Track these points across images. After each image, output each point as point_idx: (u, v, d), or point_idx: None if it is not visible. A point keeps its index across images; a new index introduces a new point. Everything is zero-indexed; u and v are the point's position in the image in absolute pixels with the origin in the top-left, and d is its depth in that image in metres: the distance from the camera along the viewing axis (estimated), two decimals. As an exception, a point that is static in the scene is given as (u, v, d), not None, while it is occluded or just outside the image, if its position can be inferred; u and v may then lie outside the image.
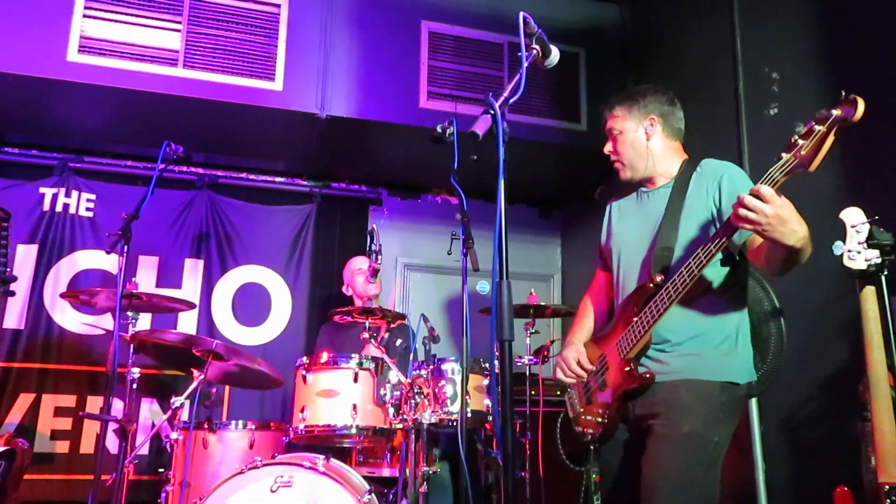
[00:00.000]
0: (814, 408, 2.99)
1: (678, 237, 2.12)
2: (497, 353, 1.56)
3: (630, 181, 2.32)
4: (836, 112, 1.68)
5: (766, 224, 1.73)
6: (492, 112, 1.64)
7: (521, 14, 1.83)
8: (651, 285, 2.08)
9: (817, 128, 1.69)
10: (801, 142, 1.72)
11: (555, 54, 1.90)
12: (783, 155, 1.75)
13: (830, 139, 1.68)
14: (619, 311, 2.24)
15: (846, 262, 1.97)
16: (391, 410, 2.99)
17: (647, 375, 2.06)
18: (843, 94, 1.69)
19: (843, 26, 3.10)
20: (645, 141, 2.25)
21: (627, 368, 2.08)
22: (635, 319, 2.09)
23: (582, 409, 2.30)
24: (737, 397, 2.07)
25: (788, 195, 1.77)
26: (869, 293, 1.97)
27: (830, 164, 2.83)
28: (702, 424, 1.98)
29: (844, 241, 1.98)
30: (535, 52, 1.86)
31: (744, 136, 3.53)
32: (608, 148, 2.33)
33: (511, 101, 1.74)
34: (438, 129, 3.00)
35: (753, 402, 2.83)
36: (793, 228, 1.75)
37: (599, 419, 2.20)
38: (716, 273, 2.08)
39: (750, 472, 2.82)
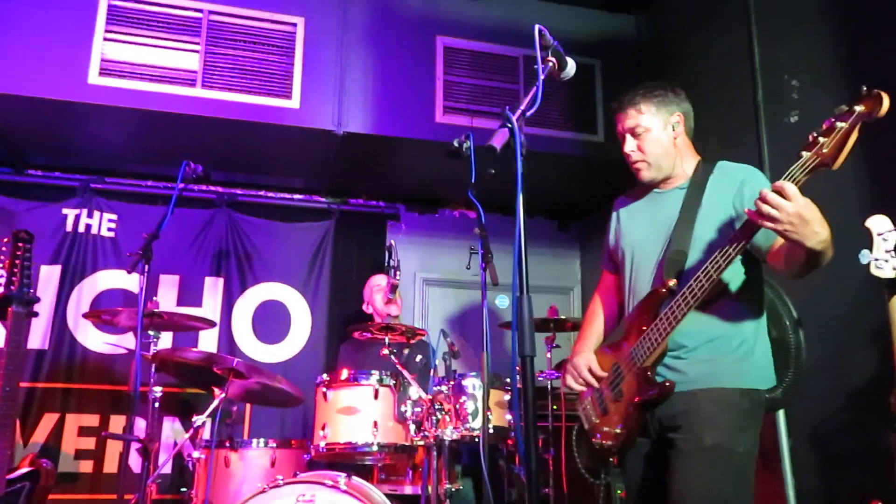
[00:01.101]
0: (843, 420, 2.93)
1: (692, 240, 2.06)
2: (518, 369, 1.53)
3: (651, 182, 2.24)
4: (859, 108, 1.63)
5: (788, 223, 1.68)
6: (509, 125, 1.62)
7: (537, 27, 1.82)
8: (664, 290, 2.03)
9: (839, 125, 1.64)
10: (821, 139, 1.67)
11: (571, 66, 1.89)
12: (803, 154, 1.71)
13: (854, 136, 1.64)
14: (631, 318, 2.17)
15: (873, 271, 1.94)
16: (412, 427, 2.97)
17: (667, 384, 1.99)
18: (865, 89, 1.64)
19: (863, 32, 3.06)
20: (672, 139, 2.19)
21: (645, 377, 2.03)
22: (650, 327, 2.03)
23: (598, 421, 2.23)
24: (758, 403, 2.01)
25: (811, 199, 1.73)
26: (898, 302, 1.93)
27: (854, 170, 2.80)
28: (724, 436, 1.92)
29: (871, 250, 1.95)
30: (551, 64, 1.85)
31: (764, 144, 3.49)
32: (630, 146, 2.21)
33: (528, 114, 1.73)
34: (455, 143, 2.99)
35: (781, 414, 2.78)
36: (815, 230, 1.70)
37: (618, 430, 2.13)
38: (732, 276, 2.02)
39: (780, 486, 2.75)
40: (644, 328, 2.05)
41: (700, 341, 2.02)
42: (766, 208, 1.68)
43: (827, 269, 2.77)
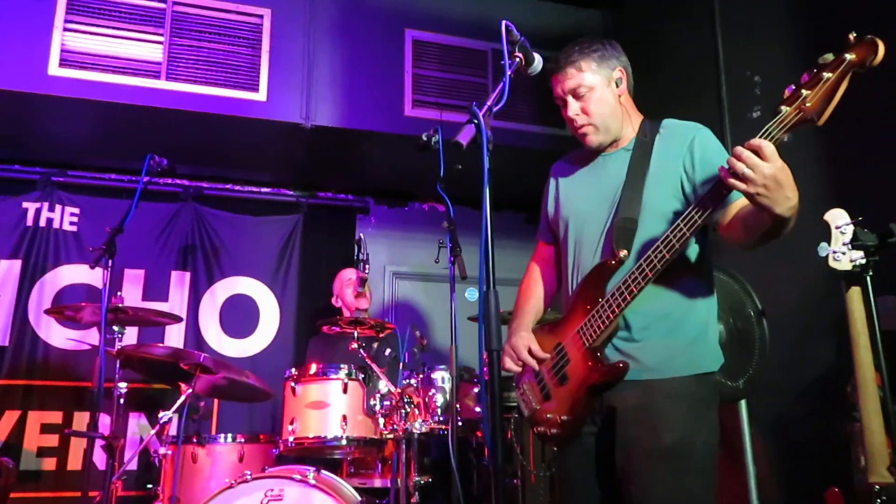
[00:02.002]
0: (803, 409, 3.01)
1: (642, 207, 1.90)
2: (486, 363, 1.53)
3: (599, 147, 2.04)
4: (850, 56, 1.48)
5: (762, 185, 1.51)
6: (475, 121, 1.62)
7: (504, 23, 1.82)
8: (613, 262, 1.87)
9: (826, 75, 1.50)
10: (804, 92, 1.52)
11: (538, 61, 1.89)
12: (782, 108, 1.54)
13: (843, 87, 1.49)
14: (576, 293, 1.97)
15: (831, 264, 1.98)
16: (381, 421, 2.98)
17: (621, 365, 1.82)
18: (855, 35, 1.49)
19: (824, 28, 3.13)
20: (617, 97, 1.99)
21: (595, 359, 1.85)
22: (600, 302, 1.85)
23: (539, 407, 2.03)
24: (713, 386, 1.89)
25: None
26: (855, 294, 1.99)
27: (813, 164, 2.86)
28: (683, 432, 1.79)
29: (829, 243, 2.00)
30: (518, 59, 1.84)
31: (728, 140, 3.55)
32: (574, 110, 1.99)
33: (495, 109, 1.73)
34: (424, 137, 2.97)
35: (743, 404, 2.84)
36: (787, 195, 1.54)
37: (563, 418, 1.95)
38: (689, 248, 1.88)
39: (742, 475, 2.82)
40: (591, 305, 1.88)
41: (652, 319, 1.86)
42: (740, 167, 1.51)
43: (787, 262, 2.84)
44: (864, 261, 1.96)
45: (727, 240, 1.84)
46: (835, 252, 1.99)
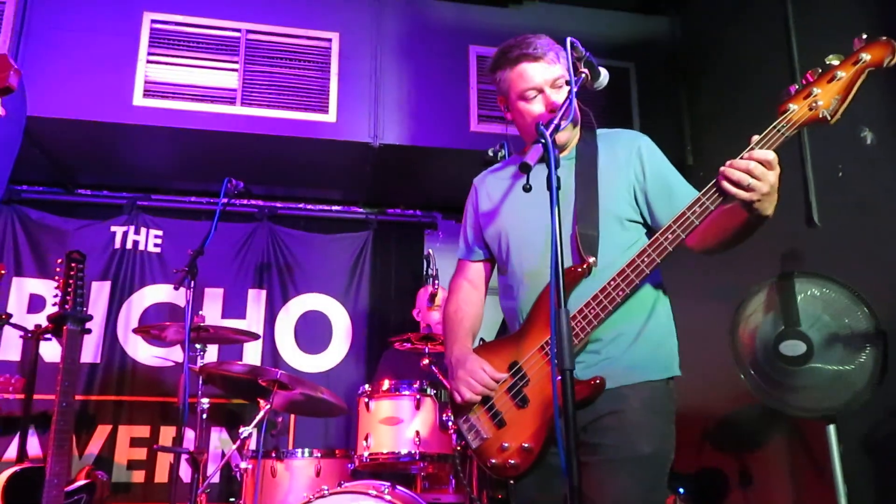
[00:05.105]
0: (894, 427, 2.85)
1: (600, 214, 1.82)
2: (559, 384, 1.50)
3: (563, 147, 1.94)
4: (865, 56, 1.48)
5: (763, 194, 1.52)
6: (543, 141, 1.60)
7: (569, 39, 1.80)
8: (580, 270, 1.76)
9: (840, 73, 1.49)
10: (815, 90, 1.51)
11: (604, 76, 1.87)
12: (790, 106, 1.54)
13: (858, 84, 1.49)
14: (535, 307, 1.84)
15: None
16: (455, 436, 2.99)
17: (597, 381, 1.70)
18: (866, 36, 1.48)
19: (906, 26, 2.99)
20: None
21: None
22: (577, 313, 1.73)
23: (491, 436, 1.85)
24: (673, 393, 1.82)
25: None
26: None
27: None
28: (660, 441, 1.73)
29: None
30: (583, 76, 1.83)
31: (805, 143, 3.42)
32: (553, 104, 1.84)
33: (562, 127, 1.73)
34: (490, 152, 2.99)
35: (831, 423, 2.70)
36: (774, 199, 1.56)
37: (526, 444, 1.78)
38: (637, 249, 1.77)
39: (830, 496, 2.69)
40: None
41: (615, 327, 1.77)
42: (751, 182, 1.51)
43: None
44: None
45: (692, 245, 1.77)
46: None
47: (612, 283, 1.73)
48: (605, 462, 1.70)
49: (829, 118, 1.51)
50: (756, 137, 1.61)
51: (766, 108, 3.79)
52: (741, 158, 1.56)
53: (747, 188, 1.52)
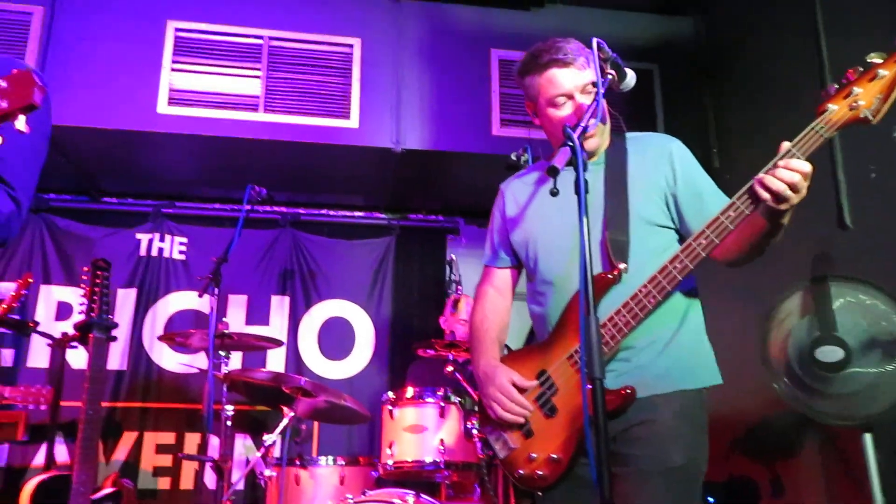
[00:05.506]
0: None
1: (630, 219, 1.79)
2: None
3: (594, 152, 1.91)
4: None
5: (793, 204, 1.51)
6: (570, 144, 1.57)
7: (595, 40, 1.77)
8: (611, 276, 1.73)
9: (882, 72, 1.45)
10: (856, 90, 1.47)
11: (631, 77, 1.83)
12: (829, 106, 1.50)
13: None
14: (564, 314, 1.81)
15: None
16: (479, 444, 2.95)
17: (628, 391, 1.66)
18: None
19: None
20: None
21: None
22: (608, 321, 1.69)
23: (518, 446, 1.81)
24: (707, 403, 1.77)
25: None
26: None
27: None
28: (693, 452, 1.69)
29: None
30: (610, 77, 1.80)
31: (836, 144, 3.35)
32: (584, 106, 1.79)
33: (589, 130, 1.70)
34: (513, 156, 2.95)
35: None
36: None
37: (554, 455, 1.75)
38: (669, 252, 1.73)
39: (868, 505, 2.62)
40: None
41: (645, 335, 1.74)
42: (786, 191, 1.49)
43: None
44: None
45: (716, 256, 1.72)
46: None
47: (643, 289, 1.69)
48: (637, 473, 1.66)
49: (870, 118, 1.46)
50: (787, 144, 1.57)
51: (796, 109, 3.72)
52: (780, 168, 1.52)
53: (784, 198, 1.51)
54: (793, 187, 1.50)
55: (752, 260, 1.74)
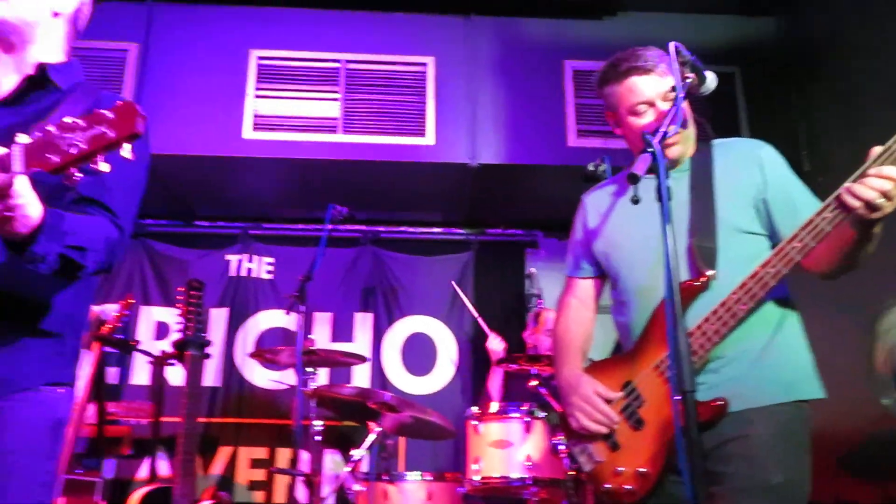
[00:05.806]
0: None
1: (717, 226, 1.72)
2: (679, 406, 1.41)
3: (677, 160, 1.85)
4: None
5: (886, 213, 1.46)
6: (651, 150, 1.54)
7: (672, 45, 1.73)
8: (698, 283, 1.67)
9: None
10: None
11: (711, 80, 1.77)
12: None
13: None
14: (650, 323, 1.76)
15: None
16: (566, 460, 2.91)
17: (720, 403, 1.59)
18: None
19: None
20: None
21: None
22: (692, 330, 1.62)
23: (605, 460, 1.76)
24: (809, 418, 1.66)
25: None
26: None
27: None
28: (793, 471, 1.58)
29: None
30: (689, 80, 1.75)
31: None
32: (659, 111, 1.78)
33: (669, 136, 1.66)
34: (590, 166, 2.91)
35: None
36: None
37: (642, 469, 1.69)
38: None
39: None
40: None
41: (737, 345, 1.65)
42: (878, 199, 1.43)
43: None
44: None
45: (808, 265, 1.65)
46: None
47: (733, 296, 1.62)
48: (733, 492, 1.57)
49: None
50: (878, 148, 1.48)
51: (894, 106, 3.53)
52: (870, 175, 1.46)
53: (878, 208, 1.45)
54: (886, 195, 1.43)
55: (845, 272, 1.66)
